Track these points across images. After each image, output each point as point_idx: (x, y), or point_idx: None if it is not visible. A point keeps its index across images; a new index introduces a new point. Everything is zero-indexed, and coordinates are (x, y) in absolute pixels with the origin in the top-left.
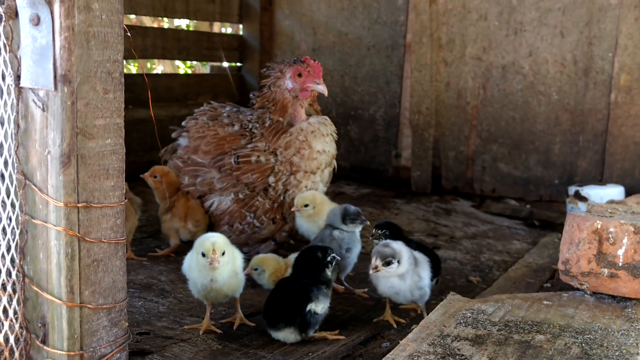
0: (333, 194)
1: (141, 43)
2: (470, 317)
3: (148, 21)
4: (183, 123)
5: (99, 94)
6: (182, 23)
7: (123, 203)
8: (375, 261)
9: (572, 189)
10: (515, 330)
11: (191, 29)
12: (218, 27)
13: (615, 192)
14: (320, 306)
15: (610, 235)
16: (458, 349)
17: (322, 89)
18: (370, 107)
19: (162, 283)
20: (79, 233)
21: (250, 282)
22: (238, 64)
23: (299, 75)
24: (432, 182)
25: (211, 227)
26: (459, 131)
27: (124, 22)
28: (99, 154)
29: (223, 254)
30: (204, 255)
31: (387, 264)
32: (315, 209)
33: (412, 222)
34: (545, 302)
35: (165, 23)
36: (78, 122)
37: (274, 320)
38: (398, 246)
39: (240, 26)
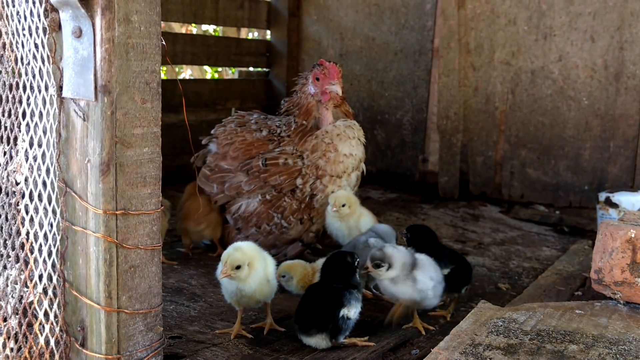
0: (360, 199)
1: (171, 49)
2: (501, 325)
3: (177, 27)
4: (212, 131)
5: (137, 103)
6: (210, 29)
7: (159, 210)
8: (367, 262)
9: (602, 195)
10: (547, 339)
11: (218, 34)
12: (245, 33)
13: None
14: (352, 311)
15: None
16: (490, 358)
17: (336, 89)
18: (397, 112)
19: (193, 287)
20: (117, 240)
21: (280, 287)
22: (265, 70)
23: (317, 79)
24: (460, 187)
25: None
26: (487, 136)
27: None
28: (137, 162)
29: (238, 267)
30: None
31: (377, 266)
32: (351, 209)
33: (439, 228)
34: (577, 312)
35: (194, 28)
36: (117, 132)
37: (306, 326)
38: (391, 251)
39: (268, 32)
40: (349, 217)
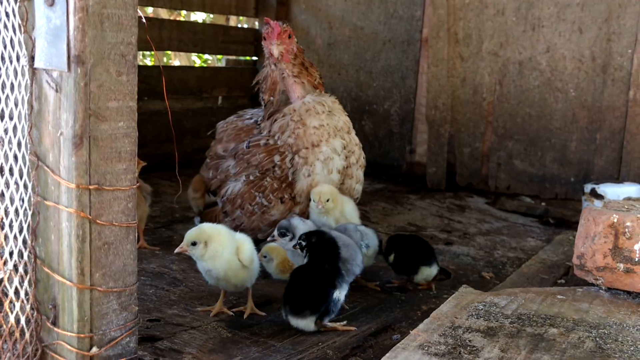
0: None
1: (157, 35)
2: (482, 309)
3: (165, 14)
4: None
5: (112, 76)
6: (199, 17)
7: (135, 187)
8: (274, 231)
9: (588, 187)
10: (528, 323)
11: (207, 22)
12: (235, 21)
13: (632, 190)
14: (343, 293)
15: (627, 230)
16: (469, 340)
17: (274, 50)
18: (385, 102)
19: (174, 272)
20: (90, 215)
21: (262, 273)
22: (254, 58)
23: (264, 39)
24: (447, 178)
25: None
26: (474, 127)
27: (141, 12)
28: (112, 137)
29: (194, 244)
30: None
31: (281, 235)
32: (334, 203)
33: (425, 218)
34: (559, 297)
35: (183, 17)
36: (91, 104)
37: (298, 308)
38: (297, 222)
39: (256, 20)
40: (333, 210)
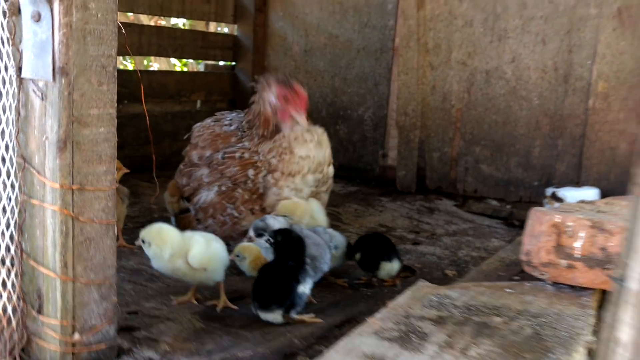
0: None
1: (137, 40)
2: (435, 300)
3: (145, 19)
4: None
5: (94, 85)
6: (180, 22)
7: (114, 187)
8: (250, 232)
9: (549, 191)
10: (475, 313)
11: (187, 27)
12: (214, 27)
13: (590, 193)
14: (307, 287)
15: (568, 229)
16: (420, 327)
17: (303, 122)
18: (359, 108)
19: (152, 269)
20: (73, 213)
21: (236, 270)
22: (232, 63)
23: (285, 99)
24: (417, 181)
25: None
26: (443, 133)
27: (120, 19)
28: (93, 141)
29: (143, 242)
30: None
31: (259, 235)
32: (297, 217)
33: (395, 219)
34: (507, 290)
35: (162, 21)
36: (74, 111)
37: (265, 302)
38: (272, 222)
39: (235, 26)
40: (299, 221)
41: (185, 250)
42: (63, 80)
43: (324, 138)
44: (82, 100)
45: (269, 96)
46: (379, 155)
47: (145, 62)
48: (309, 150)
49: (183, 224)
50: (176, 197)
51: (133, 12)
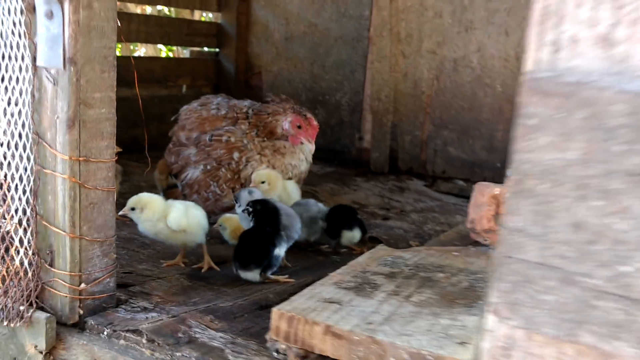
0: None
1: (126, 28)
2: (390, 260)
3: (132, 7)
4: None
5: (97, 73)
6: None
7: (114, 160)
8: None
9: (509, 172)
10: (422, 269)
11: (172, 15)
12: (199, 14)
13: None
14: (282, 250)
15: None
16: (373, 280)
17: (311, 147)
18: (336, 94)
19: (143, 238)
20: (79, 181)
21: (220, 239)
22: (216, 50)
23: (299, 126)
24: (390, 163)
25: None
26: (414, 118)
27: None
28: (97, 120)
29: (133, 209)
30: None
31: (236, 200)
32: (270, 186)
33: (368, 197)
34: (454, 253)
35: (148, 7)
36: (81, 95)
37: (245, 262)
38: (243, 194)
39: (219, 14)
40: (270, 191)
41: (165, 214)
42: (72, 69)
43: (310, 155)
44: (88, 86)
45: (284, 122)
46: (355, 138)
47: (131, 47)
48: (298, 162)
49: (171, 199)
50: (165, 175)
51: (121, 1)
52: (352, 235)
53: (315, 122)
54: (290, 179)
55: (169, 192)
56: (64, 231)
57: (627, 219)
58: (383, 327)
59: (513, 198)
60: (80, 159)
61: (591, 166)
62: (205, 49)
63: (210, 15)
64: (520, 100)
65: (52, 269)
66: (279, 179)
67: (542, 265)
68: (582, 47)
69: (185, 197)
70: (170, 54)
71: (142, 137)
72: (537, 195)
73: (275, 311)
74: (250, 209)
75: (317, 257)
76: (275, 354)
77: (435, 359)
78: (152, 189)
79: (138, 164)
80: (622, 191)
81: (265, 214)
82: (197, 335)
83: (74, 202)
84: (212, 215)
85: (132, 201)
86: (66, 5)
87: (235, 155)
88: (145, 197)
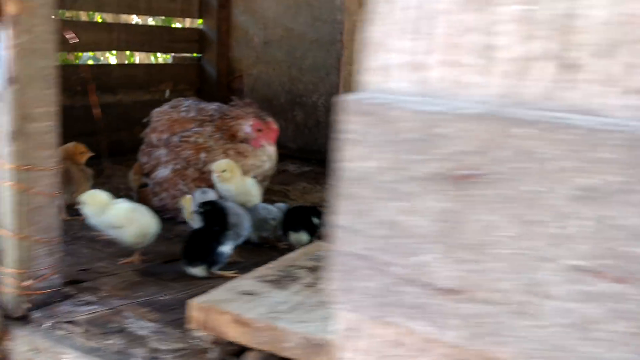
0: (277, 172)
1: (107, 37)
2: (319, 255)
3: (112, 17)
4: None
5: (39, 90)
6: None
7: (57, 168)
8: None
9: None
10: None
11: (154, 23)
12: (181, 22)
13: None
14: (227, 247)
15: None
16: (296, 273)
17: (272, 151)
18: (313, 95)
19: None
20: (25, 187)
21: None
22: (198, 55)
23: (259, 129)
24: None
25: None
26: None
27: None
28: (39, 133)
29: (81, 204)
30: None
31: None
32: (232, 174)
33: None
34: None
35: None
36: (24, 110)
37: (191, 259)
38: (197, 194)
39: (200, 21)
40: (231, 180)
41: (106, 210)
42: (16, 87)
43: (274, 157)
44: (30, 102)
45: (244, 126)
46: (331, 138)
47: (127, 53)
48: (262, 162)
49: (142, 197)
50: (138, 175)
51: (101, 12)
52: (298, 237)
53: (274, 126)
54: (254, 177)
55: (141, 191)
56: (12, 232)
57: (420, 216)
58: (285, 316)
59: (339, 200)
60: (25, 167)
61: (392, 173)
62: (187, 54)
63: (193, 21)
64: (341, 118)
65: (2, 268)
66: (238, 168)
67: (363, 257)
68: (395, 72)
69: (155, 195)
70: (152, 59)
71: (128, 140)
72: (355, 197)
73: (191, 303)
74: (201, 210)
75: (271, 254)
76: (191, 341)
77: (323, 343)
78: (130, 190)
79: (120, 167)
80: (416, 193)
81: (214, 213)
82: (127, 326)
83: (21, 206)
84: (179, 212)
85: (83, 197)
86: (9, 31)
87: (202, 155)
88: (93, 193)
